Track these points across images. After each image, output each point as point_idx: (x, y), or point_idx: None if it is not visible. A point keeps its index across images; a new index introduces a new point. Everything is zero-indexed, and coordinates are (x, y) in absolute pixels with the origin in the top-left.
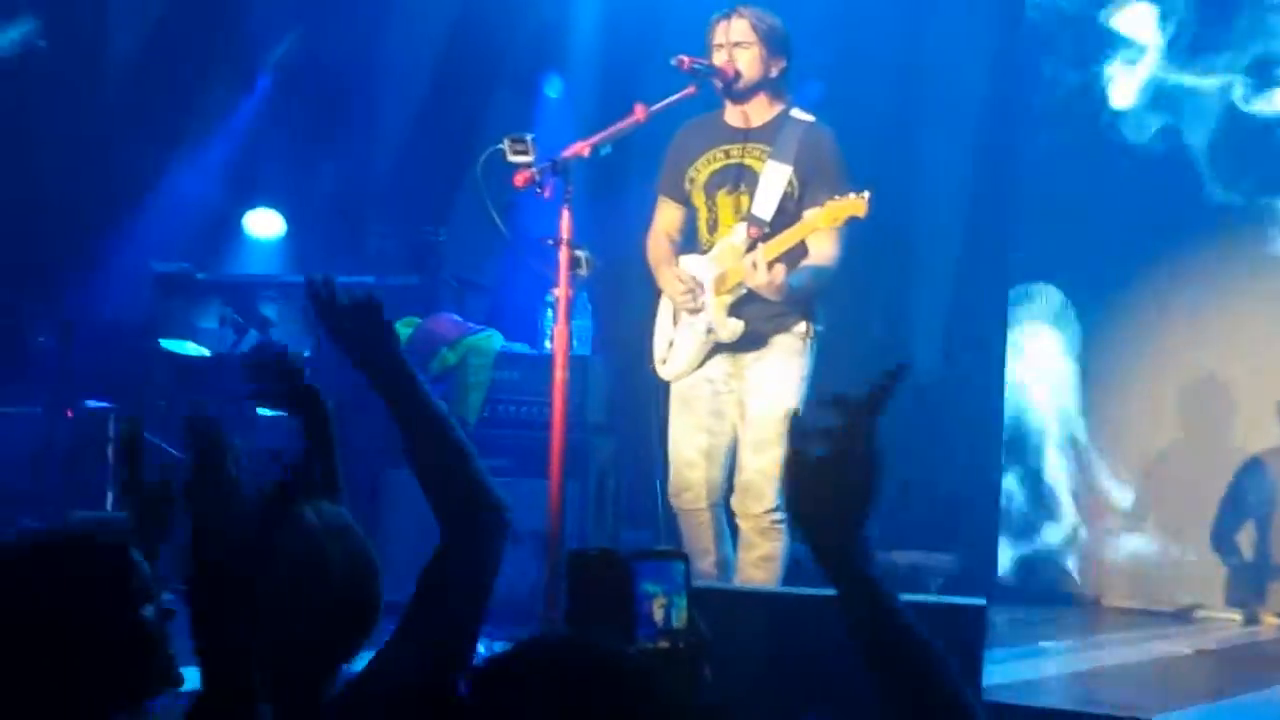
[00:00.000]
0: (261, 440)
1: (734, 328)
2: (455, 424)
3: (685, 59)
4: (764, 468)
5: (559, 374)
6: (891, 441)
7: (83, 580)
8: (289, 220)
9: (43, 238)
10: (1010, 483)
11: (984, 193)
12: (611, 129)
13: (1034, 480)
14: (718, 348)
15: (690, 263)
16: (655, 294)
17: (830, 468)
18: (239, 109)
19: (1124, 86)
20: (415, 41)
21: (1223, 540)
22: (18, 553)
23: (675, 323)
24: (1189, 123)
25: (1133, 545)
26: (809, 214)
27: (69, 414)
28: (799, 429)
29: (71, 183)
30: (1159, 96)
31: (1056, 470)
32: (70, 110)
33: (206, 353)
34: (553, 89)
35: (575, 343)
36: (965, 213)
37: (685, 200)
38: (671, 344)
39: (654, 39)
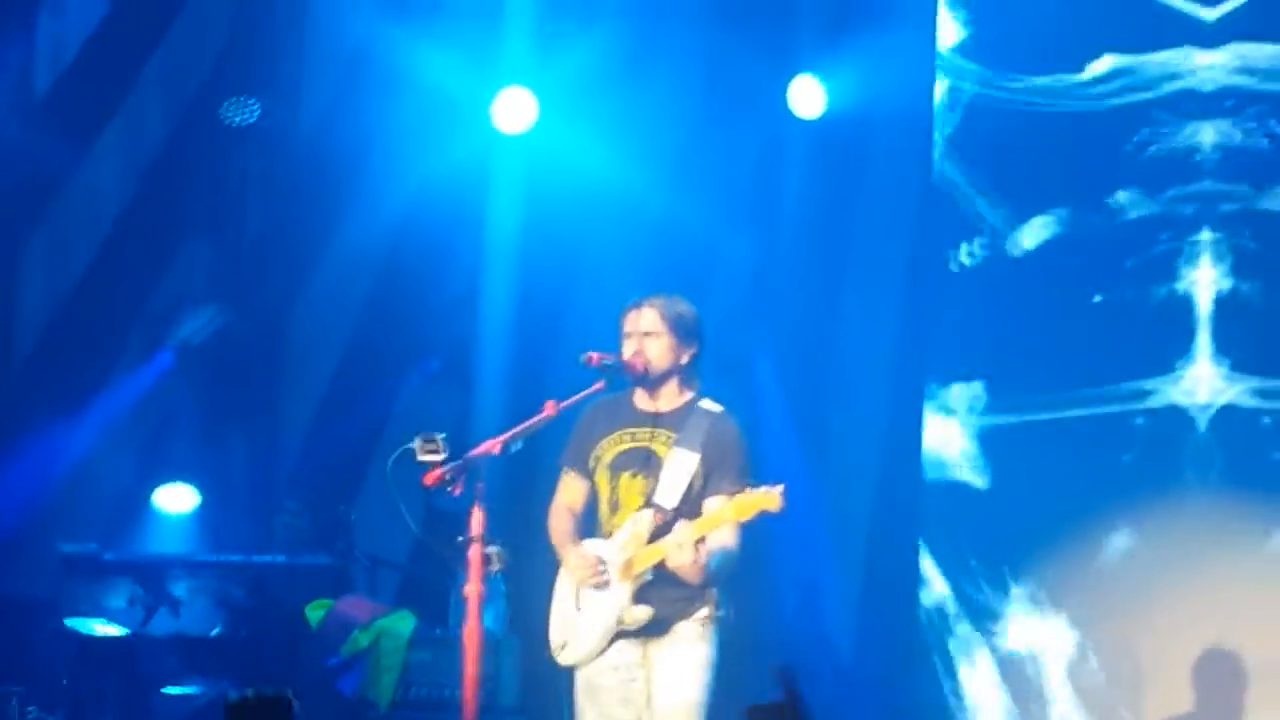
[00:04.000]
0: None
1: (641, 614)
2: None
3: (594, 356)
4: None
5: (470, 668)
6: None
7: None
8: (202, 496)
9: None
10: None
11: (894, 469)
12: (522, 426)
13: None
14: (620, 634)
15: (593, 547)
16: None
17: None
18: (148, 383)
19: None
20: (328, 320)
21: None
22: None
23: (578, 607)
24: None
25: None
26: (718, 503)
27: None
28: None
29: None
30: None
31: None
32: None
33: (116, 631)
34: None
35: (490, 623)
36: (874, 491)
37: (589, 476)
38: (572, 629)
39: (566, 326)
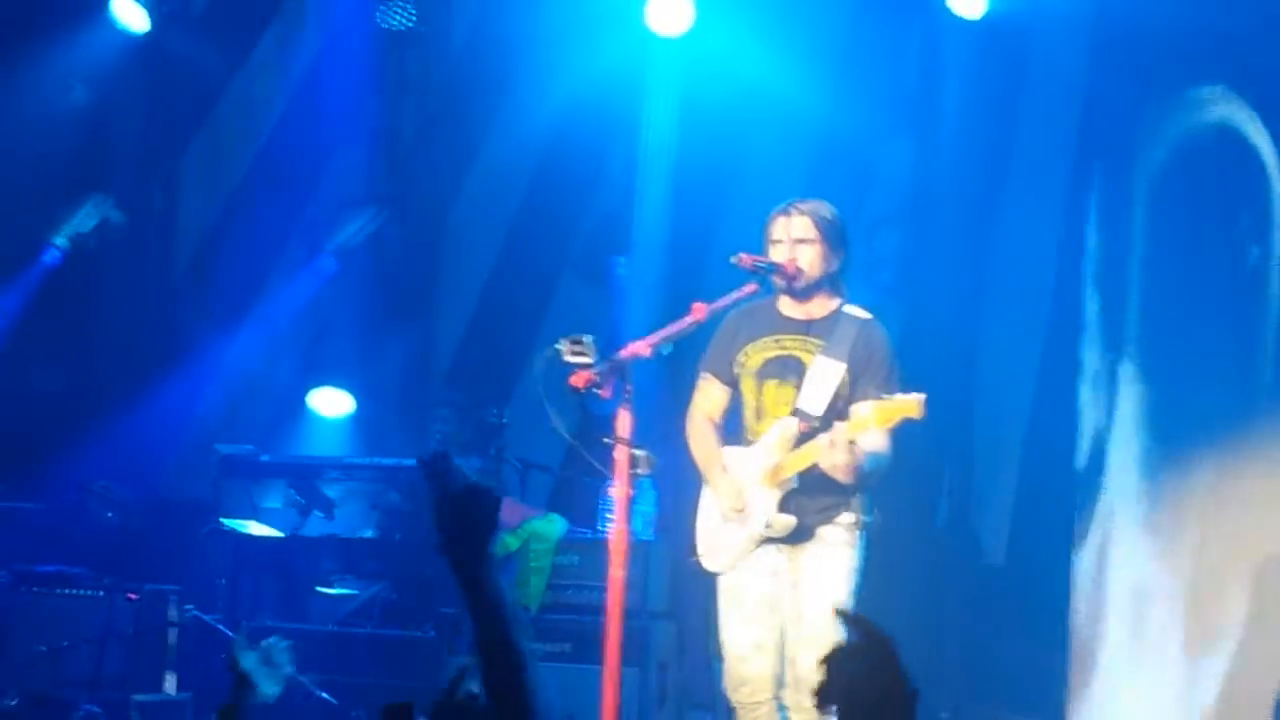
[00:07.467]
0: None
1: (786, 522)
2: (519, 634)
3: (746, 257)
4: (818, 661)
5: (616, 572)
6: (959, 625)
7: None
8: (357, 399)
9: (108, 412)
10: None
11: (1050, 373)
12: (671, 328)
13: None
14: (765, 540)
15: (737, 454)
16: None
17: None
18: (306, 287)
19: None
20: (483, 223)
21: None
22: None
23: (724, 515)
24: None
25: None
26: (860, 408)
27: (131, 596)
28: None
29: (139, 358)
30: None
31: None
32: (140, 286)
33: (275, 533)
34: (621, 269)
35: (638, 527)
36: (1031, 396)
37: (732, 383)
38: (716, 537)
39: (718, 227)
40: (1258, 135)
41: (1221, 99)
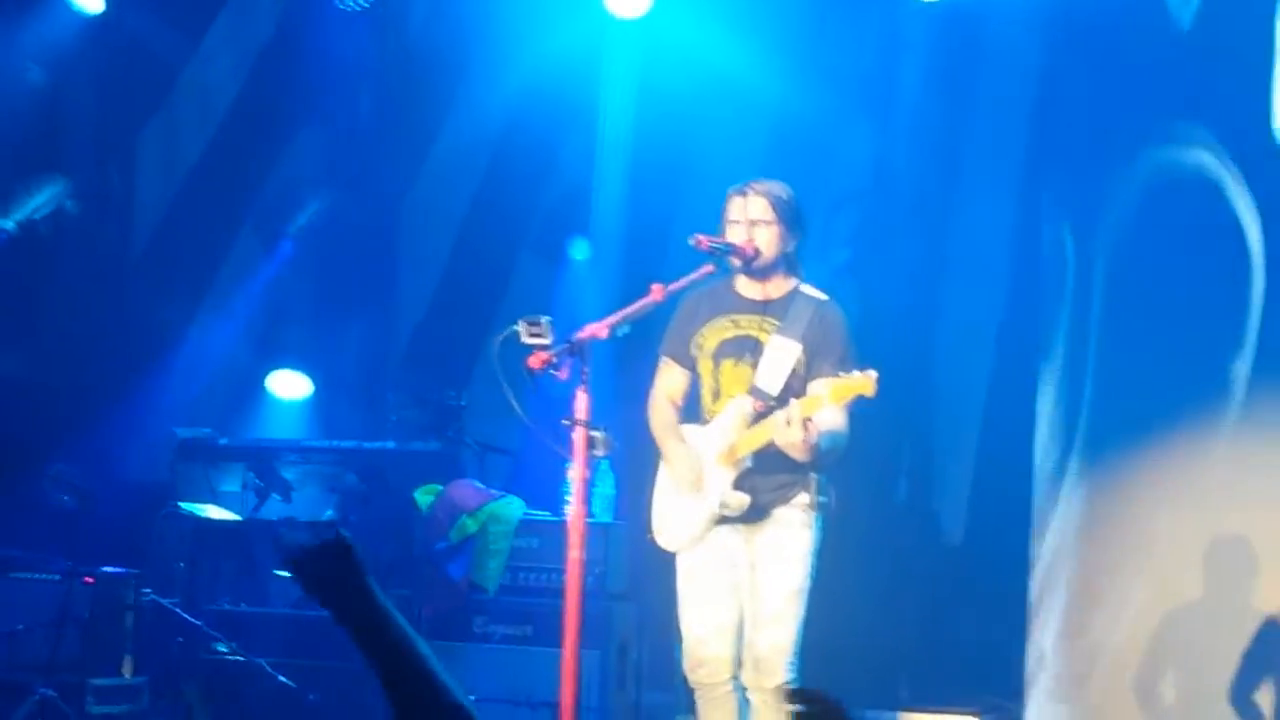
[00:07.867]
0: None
1: (740, 500)
2: (422, 657)
3: (703, 238)
4: (775, 642)
5: (574, 553)
6: (918, 604)
7: None
8: (314, 382)
9: (65, 397)
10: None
11: (1008, 352)
12: (629, 309)
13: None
14: (721, 520)
15: (694, 433)
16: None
17: None
18: (263, 271)
19: None
20: (440, 205)
21: (1242, 703)
22: None
23: (679, 492)
24: None
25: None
26: (815, 386)
27: (88, 580)
28: None
29: (96, 342)
30: None
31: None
32: (96, 270)
33: (233, 516)
34: (579, 252)
35: (597, 509)
36: (988, 376)
37: (691, 366)
38: (672, 514)
39: (676, 209)
40: (1240, 201)
41: (1199, 144)
